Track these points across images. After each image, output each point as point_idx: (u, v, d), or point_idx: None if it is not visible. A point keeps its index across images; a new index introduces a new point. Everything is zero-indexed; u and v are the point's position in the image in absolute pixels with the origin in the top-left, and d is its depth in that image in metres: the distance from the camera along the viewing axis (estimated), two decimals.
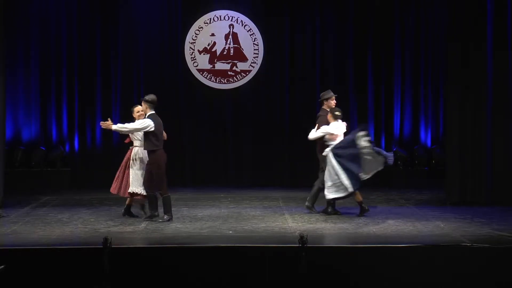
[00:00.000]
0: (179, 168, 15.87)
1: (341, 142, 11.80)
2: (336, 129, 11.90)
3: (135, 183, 11.36)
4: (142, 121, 11.14)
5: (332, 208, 11.97)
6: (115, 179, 11.59)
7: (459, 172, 13.09)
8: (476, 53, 12.98)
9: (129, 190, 11.39)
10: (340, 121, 11.96)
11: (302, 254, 8.72)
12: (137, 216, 11.58)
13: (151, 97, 11.29)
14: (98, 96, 15.80)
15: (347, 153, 11.68)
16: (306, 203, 12.19)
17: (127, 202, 11.68)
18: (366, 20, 15.97)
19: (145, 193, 11.28)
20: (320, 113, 12.27)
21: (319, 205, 12.14)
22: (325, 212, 11.97)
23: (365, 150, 11.61)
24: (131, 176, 11.39)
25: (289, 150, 15.81)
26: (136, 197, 11.49)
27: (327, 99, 12.26)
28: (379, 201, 13.63)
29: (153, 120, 11.10)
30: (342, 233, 10.51)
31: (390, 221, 11.31)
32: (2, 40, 13.01)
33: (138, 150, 11.42)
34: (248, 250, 9.25)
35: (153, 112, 11.22)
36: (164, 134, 11.43)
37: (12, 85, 15.41)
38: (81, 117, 15.87)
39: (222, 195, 14.37)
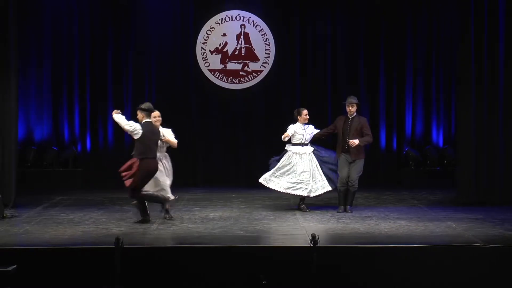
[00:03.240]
0: (190, 168, 15.91)
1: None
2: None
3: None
4: (133, 124, 10.97)
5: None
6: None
7: (471, 172, 13.03)
8: (488, 53, 12.94)
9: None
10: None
11: (313, 254, 8.71)
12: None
13: (147, 105, 11.16)
14: (110, 97, 15.85)
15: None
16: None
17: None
18: (377, 20, 15.96)
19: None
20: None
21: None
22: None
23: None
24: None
25: None
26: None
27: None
28: (390, 201, 13.60)
29: (143, 128, 10.95)
30: (354, 233, 10.48)
31: (402, 221, 11.28)
32: (14, 41, 13.05)
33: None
34: (260, 250, 9.25)
35: (149, 120, 11.09)
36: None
37: (25, 86, 15.47)
38: (93, 118, 15.93)
39: (233, 195, 14.37)
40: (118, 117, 11.07)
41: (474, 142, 13.04)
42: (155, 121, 11.25)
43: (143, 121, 11.04)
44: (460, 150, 13.34)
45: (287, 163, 12.27)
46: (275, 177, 12.28)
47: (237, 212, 12.32)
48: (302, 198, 12.29)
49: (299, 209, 12.28)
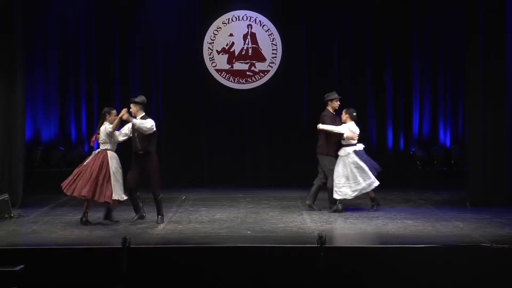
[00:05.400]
0: (196, 168, 15.90)
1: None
2: (356, 129, 12.19)
3: (119, 190, 11.15)
4: (151, 121, 11.14)
5: (342, 206, 12.22)
6: (84, 179, 10.99)
7: (479, 172, 12.99)
8: (495, 53, 12.91)
9: (115, 197, 11.02)
10: (354, 122, 12.30)
11: (320, 254, 8.71)
12: (117, 221, 11.34)
13: (141, 98, 11.35)
14: (117, 97, 15.85)
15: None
16: (307, 202, 12.49)
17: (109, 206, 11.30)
18: (384, 19, 15.92)
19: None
20: (325, 113, 12.48)
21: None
22: (336, 210, 12.15)
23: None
24: (115, 183, 11.08)
25: (307, 150, 15.73)
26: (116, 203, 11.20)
27: (331, 100, 12.47)
28: (397, 201, 13.59)
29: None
30: (361, 234, 10.48)
31: (409, 222, 11.27)
32: (21, 41, 13.07)
33: (114, 154, 11.31)
34: (267, 250, 9.25)
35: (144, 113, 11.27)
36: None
37: (32, 86, 15.48)
38: (100, 118, 15.92)
39: (240, 195, 14.38)
40: (137, 121, 11.15)
41: (482, 142, 13.01)
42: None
43: (143, 114, 11.23)
44: (469, 150, 13.31)
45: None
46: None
47: (244, 212, 12.33)
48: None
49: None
